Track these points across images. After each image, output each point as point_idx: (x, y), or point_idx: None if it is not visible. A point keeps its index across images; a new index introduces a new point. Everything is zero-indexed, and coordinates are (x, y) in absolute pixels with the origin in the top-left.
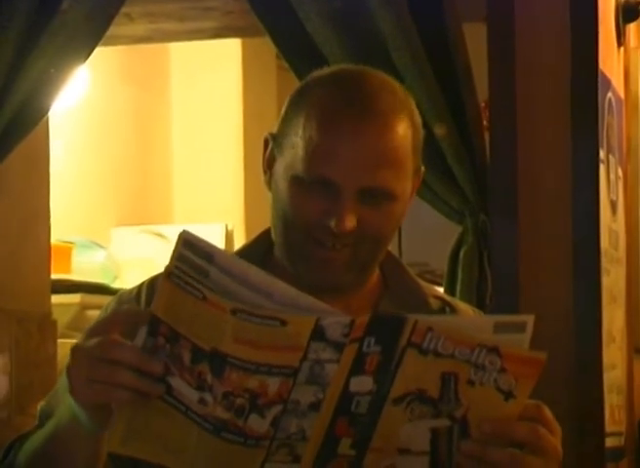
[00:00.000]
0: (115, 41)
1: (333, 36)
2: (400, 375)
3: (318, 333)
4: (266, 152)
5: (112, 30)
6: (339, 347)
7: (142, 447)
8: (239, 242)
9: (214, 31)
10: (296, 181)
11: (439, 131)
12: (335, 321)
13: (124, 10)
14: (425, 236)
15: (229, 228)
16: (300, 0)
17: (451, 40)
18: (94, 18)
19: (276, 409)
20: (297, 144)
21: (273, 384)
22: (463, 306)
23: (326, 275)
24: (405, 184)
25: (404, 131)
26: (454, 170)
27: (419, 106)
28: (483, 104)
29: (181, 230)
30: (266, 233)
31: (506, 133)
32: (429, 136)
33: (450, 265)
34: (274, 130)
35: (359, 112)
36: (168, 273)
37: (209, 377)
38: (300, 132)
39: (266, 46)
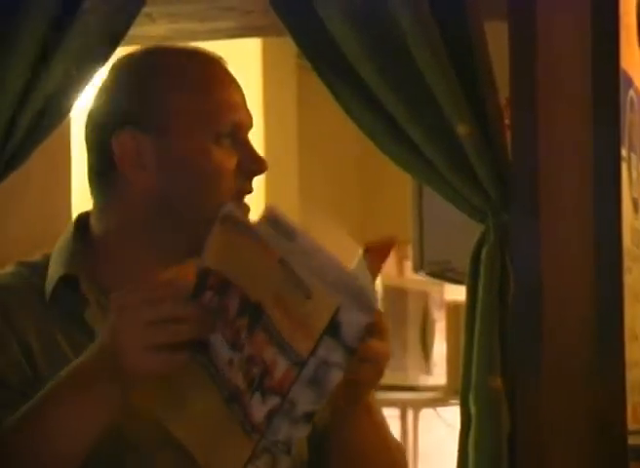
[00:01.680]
0: (136, 41)
1: (353, 34)
2: None
3: (334, 328)
4: (132, 150)
5: (133, 30)
6: (350, 353)
7: (153, 397)
8: None
9: (234, 31)
10: (211, 143)
11: (461, 129)
12: (353, 320)
13: (145, 10)
14: (447, 234)
15: None
16: None
17: (472, 38)
18: (114, 18)
19: (274, 401)
20: (196, 111)
21: (281, 366)
22: None
23: None
24: None
25: None
26: (475, 168)
27: (440, 104)
28: (504, 102)
29: (269, 207)
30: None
31: (528, 131)
32: (451, 135)
33: (472, 264)
34: (126, 119)
35: (225, 69)
36: (224, 216)
37: (244, 334)
38: (196, 99)
39: (286, 45)
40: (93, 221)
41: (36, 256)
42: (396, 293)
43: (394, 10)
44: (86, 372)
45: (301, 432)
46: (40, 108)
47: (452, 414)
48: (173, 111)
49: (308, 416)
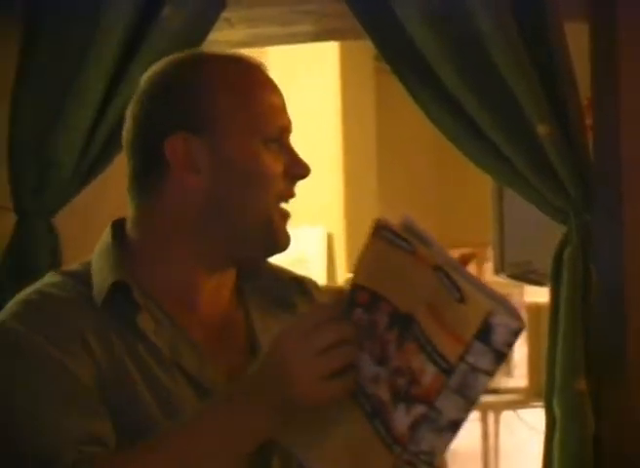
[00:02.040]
0: (214, 46)
1: (432, 35)
2: None
3: (484, 332)
4: (184, 154)
5: (212, 35)
6: (498, 358)
7: (295, 430)
8: (340, 247)
9: (312, 35)
10: (261, 146)
11: (542, 130)
12: (504, 323)
13: (224, 15)
14: (528, 235)
15: (329, 233)
16: (400, 0)
17: (552, 38)
18: (194, 24)
19: (419, 411)
20: (244, 112)
21: (429, 374)
22: (312, 282)
23: (287, 233)
24: None
25: None
26: (556, 168)
27: (520, 105)
28: (586, 103)
29: (404, 216)
30: (105, 252)
31: (610, 131)
32: (532, 135)
33: (554, 265)
34: (179, 122)
35: (261, 69)
36: (377, 228)
37: (392, 347)
38: (236, 100)
39: (364, 48)
40: (131, 227)
41: (75, 265)
42: None
43: (474, 9)
44: (234, 411)
45: (446, 441)
46: (120, 115)
47: (533, 417)
48: (222, 114)
49: (454, 425)
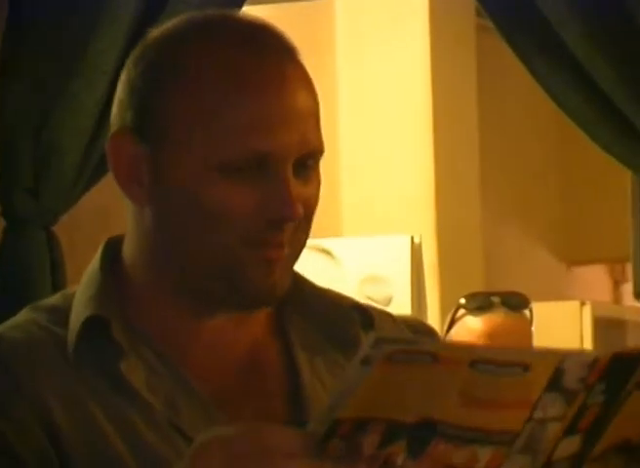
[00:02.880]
0: None
1: None
2: (612, 427)
3: (555, 380)
4: (125, 157)
5: None
6: (570, 398)
7: None
8: (429, 257)
9: None
10: (211, 174)
11: None
12: (577, 361)
13: None
14: None
15: (416, 241)
16: None
17: None
18: None
19: None
20: (200, 125)
21: (484, 456)
22: (381, 313)
23: (267, 283)
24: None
25: (307, 73)
26: None
27: None
28: None
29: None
30: (105, 269)
31: None
32: None
33: None
34: (127, 120)
35: (273, 62)
36: (389, 355)
37: (400, 458)
38: (202, 107)
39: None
40: (124, 247)
41: (55, 297)
42: (612, 325)
43: None
44: None
45: None
46: None
47: None
48: (177, 122)
49: None
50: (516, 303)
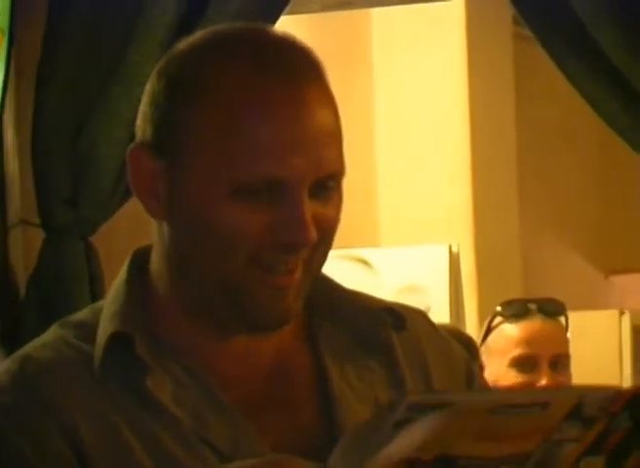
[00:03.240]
0: (304, 8)
1: None
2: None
3: (575, 411)
4: (142, 170)
5: None
6: (589, 424)
7: None
8: (466, 266)
9: None
10: (222, 195)
11: None
12: (597, 397)
13: None
14: None
15: (454, 250)
16: None
17: None
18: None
19: None
20: (214, 145)
21: None
22: (413, 313)
23: (278, 308)
24: (345, 163)
25: (330, 91)
26: None
27: None
28: None
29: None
30: (134, 283)
31: None
32: None
33: None
34: (147, 133)
35: (291, 83)
36: (398, 424)
37: None
38: (216, 127)
39: (499, 8)
40: (151, 258)
41: (85, 312)
42: None
43: None
44: None
45: None
46: None
47: None
48: (194, 139)
49: None
50: (552, 310)
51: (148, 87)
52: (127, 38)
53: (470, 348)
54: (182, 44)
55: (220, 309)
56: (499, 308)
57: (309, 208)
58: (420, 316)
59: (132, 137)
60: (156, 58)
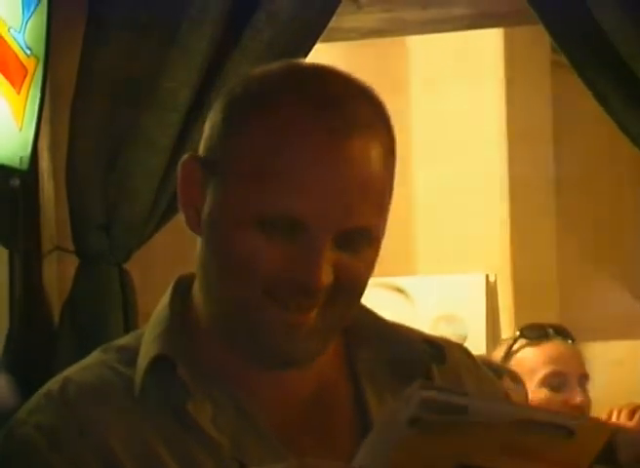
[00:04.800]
0: (338, 35)
1: (627, 23)
2: None
3: (607, 453)
4: (190, 181)
5: (335, 21)
6: None
7: None
8: (504, 295)
9: (467, 20)
10: (247, 222)
11: None
12: (630, 439)
13: None
14: None
15: (491, 279)
16: None
17: None
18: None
19: None
20: (249, 172)
21: None
22: (454, 346)
23: (290, 346)
24: (384, 220)
25: (383, 151)
26: None
27: None
28: None
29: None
30: (175, 302)
31: None
32: None
33: None
34: (202, 148)
35: (337, 128)
36: (412, 421)
37: None
38: (255, 155)
39: (537, 36)
40: (194, 285)
41: (128, 337)
42: None
43: None
44: None
45: None
46: None
47: None
48: (230, 161)
49: None
50: (566, 334)
51: (216, 103)
52: (161, 65)
53: (516, 380)
54: (256, 70)
55: (238, 340)
56: (518, 333)
57: (332, 255)
58: (461, 350)
59: (166, 164)
60: (190, 85)
